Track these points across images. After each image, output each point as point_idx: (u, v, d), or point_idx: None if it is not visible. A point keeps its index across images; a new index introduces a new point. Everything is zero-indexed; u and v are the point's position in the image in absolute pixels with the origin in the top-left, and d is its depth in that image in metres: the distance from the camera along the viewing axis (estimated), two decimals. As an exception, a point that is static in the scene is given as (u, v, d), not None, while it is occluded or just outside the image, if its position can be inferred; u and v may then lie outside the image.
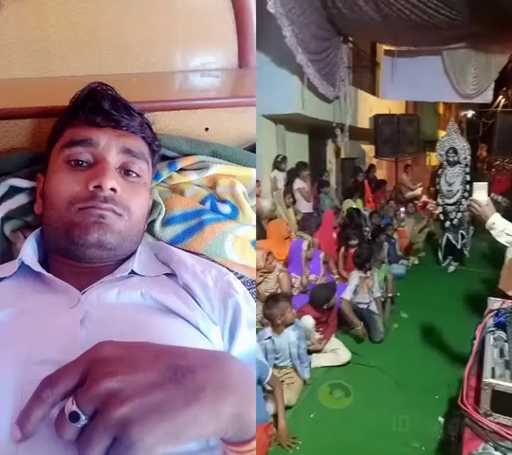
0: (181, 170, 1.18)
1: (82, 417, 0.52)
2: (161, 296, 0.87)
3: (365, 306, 2.89)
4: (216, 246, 1.08)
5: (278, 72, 3.96)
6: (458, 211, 4.12)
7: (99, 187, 0.90)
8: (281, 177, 4.19)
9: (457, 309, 3.14)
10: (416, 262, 4.51)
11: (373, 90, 6.93)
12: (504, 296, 2.04)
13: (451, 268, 4.26)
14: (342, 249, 3.58)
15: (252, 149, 1.28)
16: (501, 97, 9.18)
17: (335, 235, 3.84)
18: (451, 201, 4.13)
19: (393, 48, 5.59)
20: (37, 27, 1.41)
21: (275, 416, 1.96)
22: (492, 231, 1.69)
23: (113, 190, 0.91)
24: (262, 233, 3.37)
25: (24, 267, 0.92)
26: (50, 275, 0.89)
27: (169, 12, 1.50)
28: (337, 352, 2.58)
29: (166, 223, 1.10)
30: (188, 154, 1.19)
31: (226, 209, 1.16)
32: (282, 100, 3.94)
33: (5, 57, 1.39)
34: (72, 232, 0.89)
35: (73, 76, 1.41)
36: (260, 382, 1.86)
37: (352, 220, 4.04)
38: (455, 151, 4.08)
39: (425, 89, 5.79)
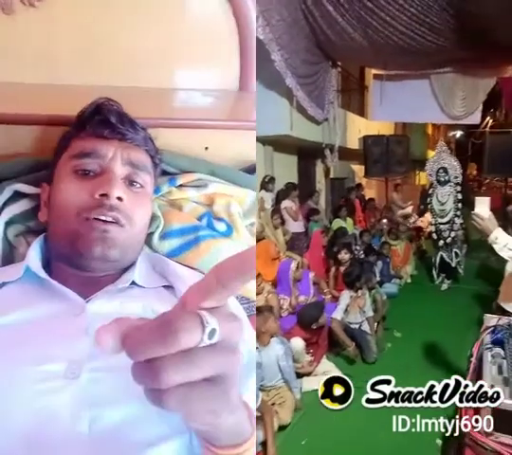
0: (180, 186, 1.22)
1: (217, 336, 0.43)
2: (162, 310, 0.84)
3: (357, 326, 2.82)
4: (210, 262, 1.10)
5: (267, 94, 3.97)
6: (451, 230, 4.14)
7: (105, 195, 0.92)
8: (268, 198, 4.15)
9: (451, 327, 3.07)
10: (409, 280, 4.47)
11: (361, 112, 7.03)
12: (503, 312, 2.00)
13: (444, 286, 4.23)
14: (333, 269, 3.52)
15: (248, 170, 1.31)
16: (489, 118, 9.35)
17: (324, 255, 3.79)
18: (444, 220, 4.15)
19: (381, 72, 5.69)
20: (46, 34, 1.46)
21: (264, 444, 1.86)
22: (494, 246, 1.64)
23: (119, 199, 0.93)
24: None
25: (29, 273, 0.94)
26: (56, 282, 0.91)
27: (177, 30, 1.55)
28: (328, 374, 2.48)
29: (164, 236, 1.14)
30: (187, 172, 1.23)
31: (221, 226, 1.19)
32: (271, 122, 3.90)
33: (13, 61, 1.43)
34: (77, 244, 0.91)
35: (80, 85, 1.44)
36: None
37: (338, 238, 3.98)
38: (445, 170, 4.12)
39: (413, 111, 5.88)
